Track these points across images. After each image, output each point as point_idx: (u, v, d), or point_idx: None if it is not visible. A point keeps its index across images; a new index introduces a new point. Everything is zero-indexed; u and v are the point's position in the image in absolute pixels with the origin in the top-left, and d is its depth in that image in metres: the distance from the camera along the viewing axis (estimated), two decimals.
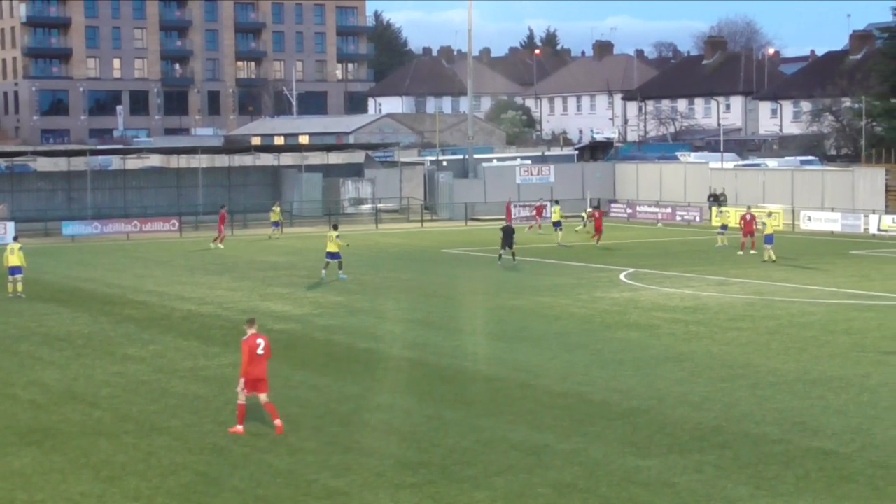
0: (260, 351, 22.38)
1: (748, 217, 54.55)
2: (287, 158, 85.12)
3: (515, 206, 76.23)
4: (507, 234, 51.02)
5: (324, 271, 46.34)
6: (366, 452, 21.12)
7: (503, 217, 74.68)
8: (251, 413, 22.81)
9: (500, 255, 51.18)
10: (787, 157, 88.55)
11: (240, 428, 22.50)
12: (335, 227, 47.82)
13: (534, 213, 69.97)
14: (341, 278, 45.89)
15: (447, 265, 51.97)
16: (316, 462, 20.59)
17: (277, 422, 22.41)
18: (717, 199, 73.02)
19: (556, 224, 61.36)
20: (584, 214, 68.59)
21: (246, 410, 22.58)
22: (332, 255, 46.05)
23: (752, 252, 53.21)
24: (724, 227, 59.57)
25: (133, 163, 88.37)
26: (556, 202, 64.91)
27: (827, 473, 19.61)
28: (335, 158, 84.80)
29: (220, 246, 59.12)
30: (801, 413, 23.58)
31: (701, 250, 57.24)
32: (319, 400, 25.28)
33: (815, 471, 19.74)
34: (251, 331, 22.59)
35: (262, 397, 22.57)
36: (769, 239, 51.08)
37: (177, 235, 68.30)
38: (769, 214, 53.95)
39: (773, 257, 50.39)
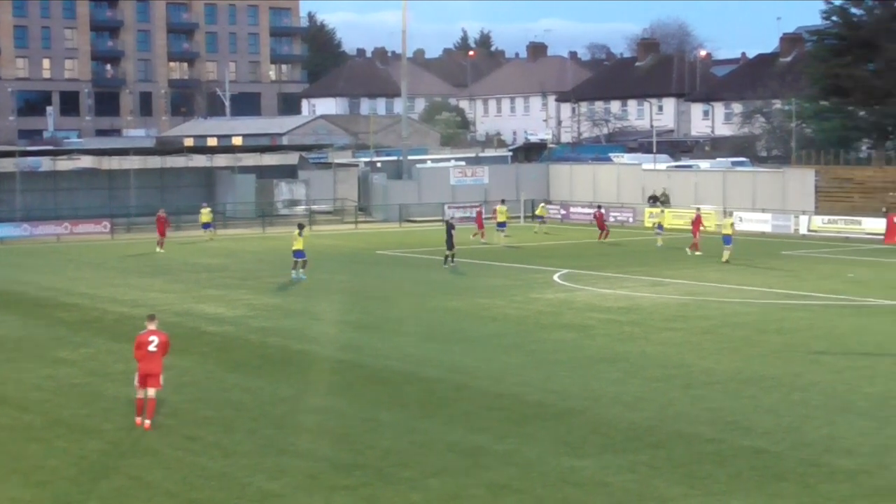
0: (152, 348, 22.94)
1: (698, 217, 55.29)
2: (220, 160, 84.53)
3: (450, 208, 76.41)
4: (449, 234, 51.16)
5: (294, 271, 46.56)
6: (300, 455, 21.06)
7: (438, 218, 74.86)
8: (184, 416, 22.65)
9: (448, 258, 51.13)
10: (718, 159, 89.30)
11: (137, 420, 23.02)
12: (301, 227, 48.10)
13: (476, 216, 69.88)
14: (300, 278, 46.07)
15: (382, 267, 51.93)
16: (250, 465, 20.49)
17: (147, 422, 22.82)
18: (657, 201, 73.47)
19: (501, 225, 61.24)
20: (538, 213, 68.98)
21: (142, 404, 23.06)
22: (298, 254, 46.40)
23: (698, 253, 53.66)
24: (660, 226, 59.89)
25: (64, 164, 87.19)
26: (503, 202, 65.00)
27: (759, 472, 19.79)
28: (269, 160, 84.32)
29: (160, 250, 58.35)
30: (734, 412, 23.79)
31: (635, 251, 57.61)
32: (254, 402, 25.17)
33: (747, 469, 19.92)
34: (150, 326, 23.15)
35: (151, 392, 22.98)
36: (727, 239, 51.53)
37: (108, 237, 67.73)
38: (730, 214, 54.82)
39: (727, 257, 50.88)
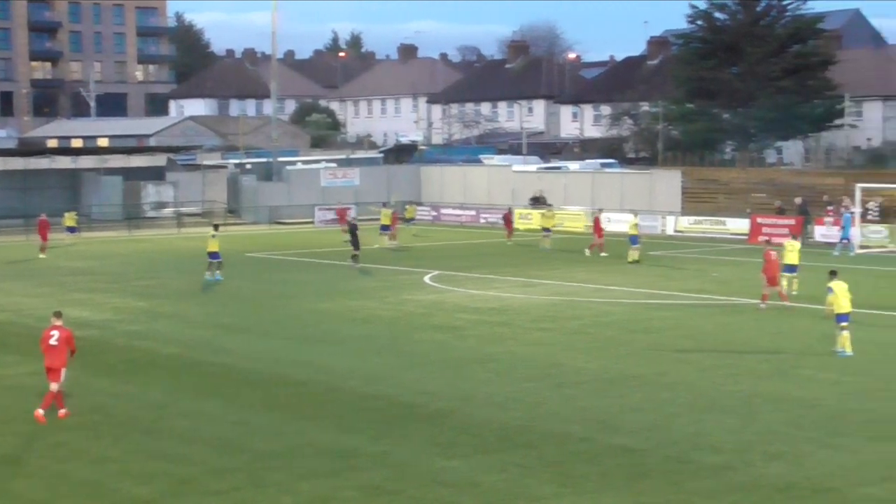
0: (53, 342, 23.55)
1: (597, 219, 55.78)
2: (86, 161, 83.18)
3: (320, 210, 76.28)
4: (354, 234, 51.46)
5: (208, 273, 46.27)
6: (171, 459, 20.88)
7: (309, 220, 74.67)
8: (49, 422, 22.33)
9: (354, 257, 51.33)
10: (588, 160, 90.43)
11: (60, 412, 23.67)
12: (216, 228, 47.66)
13: (338, 216, 69.85)
14: (216, 279, 45.80)
15: (252, 269, 51.61)
16: (119, 471, 20.26)
17: (62, 411, 23.59)
18: (538, 202, 74.04)
19: (384, 228, 61.00)
20: (407, 216, 69.01)
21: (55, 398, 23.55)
22: (213, 255, 46.08)
23: (603, 254, 54.22)
24: (548, 230, 59.69)
25: None
26: (385, 205, 65.01)
27: (627, 470, 20.12)
28: (136, 161, 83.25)
29: (43, 256, 57.12)
30: (603, 411, 24.14)
31: (505, 252, 58.05)
32: (122, 407, 24.89)
33: (615, 467, 20.24)
34: (55, 322, 23.94)
35: (53, 386, 23.41)
36: (634, 240, 52.17)
37: None
38: (635, 215, 55.53)
39: (636, 258, 51.53)
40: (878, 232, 58.25)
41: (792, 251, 40.75)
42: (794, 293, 39.47)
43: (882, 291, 42.16)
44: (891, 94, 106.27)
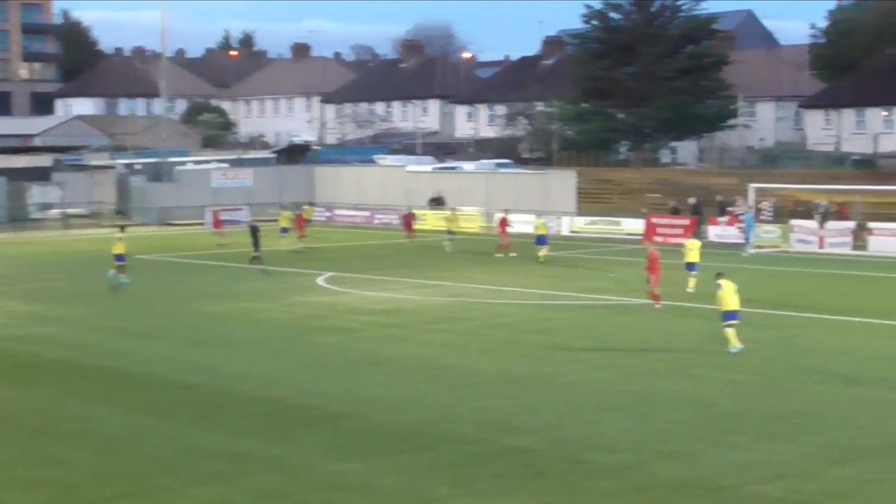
0: None
1: (503, 220, 55.98)
2: None
3: (210, 210, 75.60)
4: (255, 234, 51.43)
5: (116, 274, 45.36)
6: (59, 465, 20.61)
7: (199, 221, 73.97)
8: None
9: (255, 258, 51.30)
10: (483, 160, 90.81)
11: None
12: (122, 229, 47.16)
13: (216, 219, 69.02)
14: (121, 283, 44.99)
15: (143, 271, 51.02)
16: (3, 478, 19.94)
17: None
18: (437, 203, 74.15)
19: (284, 230, 60.40)
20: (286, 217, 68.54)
21: None
22: (119, 258, 45.37)
23: (513, 255, 54.43)
24: (451, 232, 59.10)
25: None
26: (283, 207, 64.81)
27: (522, 471, 20.25)
28: (21, 162, 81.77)
29: None
30: (498, 412, 24.28)
31: (400, 253, 58.11)
32: (6, 412, 24.50)
33: (510, 469, 20.36)
34: None
35: None
36: (542, 240, 52.44)
37: None
38: (539, 216, 55.82)
39: (543, 258, 51.83)
40: (772, 232, 59.26)
41: (692, 249, 41.73)
42: (690, 291, 40.20)
43: (775, 291, 42.90)
44: (783, 94, 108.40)
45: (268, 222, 60.31)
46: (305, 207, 71.15)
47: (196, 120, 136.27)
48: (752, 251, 56.15)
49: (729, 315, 30.38)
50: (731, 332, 30.35)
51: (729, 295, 30.35)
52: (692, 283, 40.99)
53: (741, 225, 59.29)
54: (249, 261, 51.41)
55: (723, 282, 30.70)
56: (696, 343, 31.95)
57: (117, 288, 44.54)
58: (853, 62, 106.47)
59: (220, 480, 19.75)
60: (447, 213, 63.43)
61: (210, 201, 77.21)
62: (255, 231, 52.07)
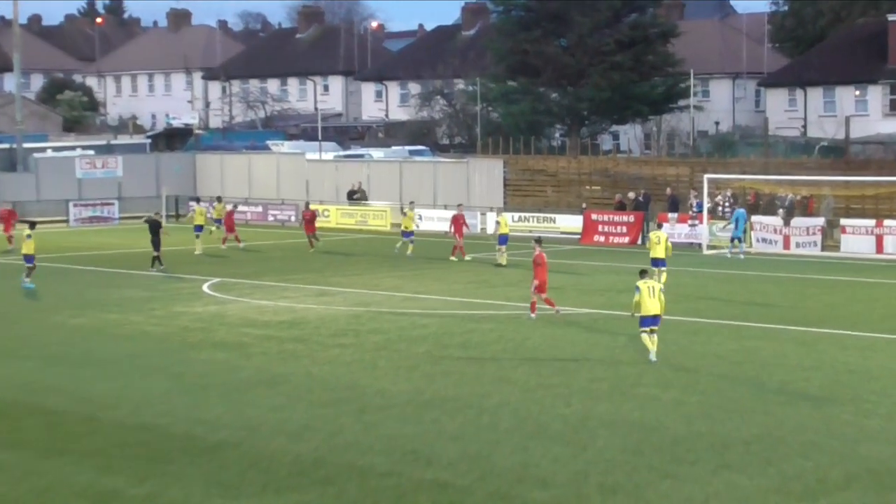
0: None
1: (459, 217, 55.88)
2: None
3: (76, 206, 75.07)
4: (154, 231, 51.47)
5: (26, 278, 45.91)
6: None
7: (61, 218, 73.25)
8: None
9: (155, 259, 51.45)
10: (394, 147, 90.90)
11: None
12: (32, 227, 47.63)
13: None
14: (27, 287, 45.55)
15: None
16: None
17: None
18: (356, 196, 74.01)
19: (198, 228, 59.78)
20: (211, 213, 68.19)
21: None
22: (28, 259, 45.87)
23: (467, 258, 54.50)
24: (410, 233, 58.11)
25: None
26: (198, 201, 64.46)
27: None
28: None
29: None
30: (413, 440, 24.25)
31: (298, 256, 57.93)
32: None
33: None
34: None
35: None
36: (503, 239, 52.53)
37: None
38: (499, 213, 55.87)
39: (503, 261, 52.44)
40: (729, 230, 58.93)
41: (658, 244, 42.35)
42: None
43: (733, 297, 43.28)
44: (740, 71, 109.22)
45: (135, 219, 59.95)
46: (216, 204, 70.63)
47: (56, 99, 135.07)
48: (708, 252, 56.57)
49: (647, 320, 31.26)
50: (645, 338, 31.29)
51: (646, 299, 30.87)
52: (663, 278, 41.71)
53: (693, 222, 59.76)
54: (151, 264, 51.17)
55: (641, 283, 31.22)
56: (640, 358, 32.10)
57: (31, 291, 45.15)
58: (820, 34, 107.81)
59: None
60: (407, 209, 60.31)
61: (74, 195, 76.61)
62: (155, 227, 51.51)
